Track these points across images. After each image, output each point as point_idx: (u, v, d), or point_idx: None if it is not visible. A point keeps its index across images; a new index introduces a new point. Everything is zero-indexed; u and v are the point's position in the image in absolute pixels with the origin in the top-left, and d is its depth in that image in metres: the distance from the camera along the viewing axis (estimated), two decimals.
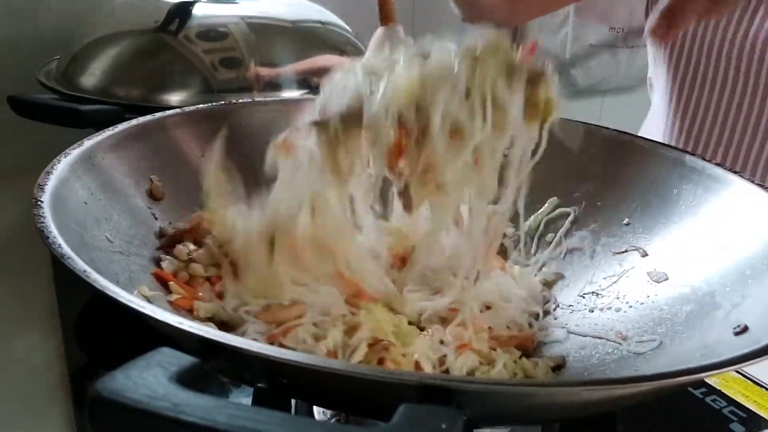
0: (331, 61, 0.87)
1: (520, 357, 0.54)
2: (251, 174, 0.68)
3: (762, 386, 0.57)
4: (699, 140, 0.82)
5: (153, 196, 0.59)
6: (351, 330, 0.50)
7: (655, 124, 0.91)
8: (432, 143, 0.48)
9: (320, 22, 0.93)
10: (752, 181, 0.56)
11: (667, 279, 0.58)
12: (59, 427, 0.51)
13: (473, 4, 0.93)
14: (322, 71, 0.86)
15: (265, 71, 0.83)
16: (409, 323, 0.53)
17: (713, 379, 0.57)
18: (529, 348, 0.56)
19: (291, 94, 0.85)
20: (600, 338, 0.55)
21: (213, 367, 0.32)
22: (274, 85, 0.83)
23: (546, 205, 0.68)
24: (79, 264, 0.39)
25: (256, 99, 0.74)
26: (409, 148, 0.48)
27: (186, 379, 0.29)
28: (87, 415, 0.27)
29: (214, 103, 0.70)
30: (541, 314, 0.59)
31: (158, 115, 0.64)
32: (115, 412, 0.27)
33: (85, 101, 0.78)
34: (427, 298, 0.55)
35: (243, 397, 0.52)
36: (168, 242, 0.56)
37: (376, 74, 0.49)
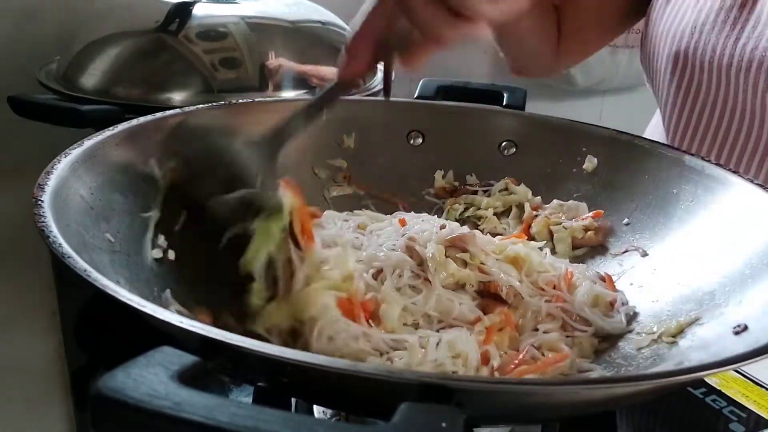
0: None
1: None
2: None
3: (762, 386, 0.57)
4: (693, 141, 0.82)
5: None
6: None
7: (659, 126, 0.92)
8: None
9: (320, 22, 0.93)
10: (752, 181, 0.56)
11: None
12: (59, 427, 0.51)
13: (519, 59, 0.95)
14: (323, 73, 0.88)
15: (265, 71, 0.83)
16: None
17: (713, 379, 0.57)
18: None
19: (291, 94, 0.85)
20: None
21: (214, 366, 0.32)
22: (273, 85, 0.83)
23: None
24: (80, 263, 0.39)
25: (256, 99, 0.74)
26: None
27: (187, 378, 0.29)
28: (89, 414, 0.27)
29: (214, 103, 0.70)
30: None
31: (158, 114, 0.64)
32: (117, 411, 0.27)
33: (85, 101, 0.78)
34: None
35: (243, 397, 0.53)
36: None
37: None
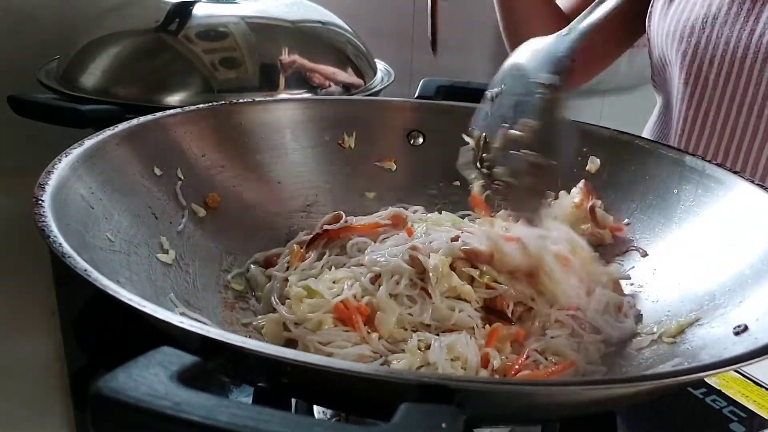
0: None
1: None
2: (251, 173, 0.68)
3: (762, 386, 0.57)
4: (701, 137, 0.82)
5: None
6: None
7: (661, 121, 0.92)
8: None
9: (320, 22, 0.93)
10: (752, 182, 0.56)
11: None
12: (59, 427, 0.51)
13: None
14: (322, 73, 0.87)
15: (265, 71, 0.83)
16: None
17: (713, 379, 0.57)
18: None
19: (291, 93, 0.85)
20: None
21: (214, 366, 0.32)
22: (274, 85, 0.83)
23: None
24: (80, 263, 0.39)
25: (256, 99, 0.74)
26: None
27: (187, 378, 0.29)
28: (89, 413, 0.27)
29: (214, 103, 0.70)
30: None
31: (158, 114, 0.64)
32: (117, 411, 0.27)
33: (85, 101, 0.78)
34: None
35: (243, 397, 0.53)
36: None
37: None
